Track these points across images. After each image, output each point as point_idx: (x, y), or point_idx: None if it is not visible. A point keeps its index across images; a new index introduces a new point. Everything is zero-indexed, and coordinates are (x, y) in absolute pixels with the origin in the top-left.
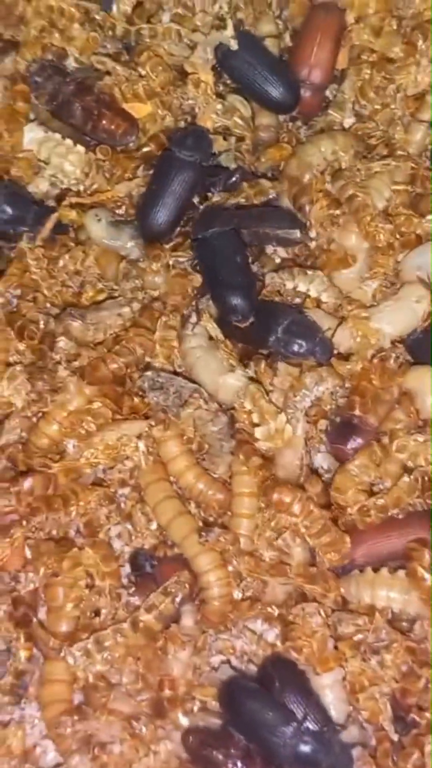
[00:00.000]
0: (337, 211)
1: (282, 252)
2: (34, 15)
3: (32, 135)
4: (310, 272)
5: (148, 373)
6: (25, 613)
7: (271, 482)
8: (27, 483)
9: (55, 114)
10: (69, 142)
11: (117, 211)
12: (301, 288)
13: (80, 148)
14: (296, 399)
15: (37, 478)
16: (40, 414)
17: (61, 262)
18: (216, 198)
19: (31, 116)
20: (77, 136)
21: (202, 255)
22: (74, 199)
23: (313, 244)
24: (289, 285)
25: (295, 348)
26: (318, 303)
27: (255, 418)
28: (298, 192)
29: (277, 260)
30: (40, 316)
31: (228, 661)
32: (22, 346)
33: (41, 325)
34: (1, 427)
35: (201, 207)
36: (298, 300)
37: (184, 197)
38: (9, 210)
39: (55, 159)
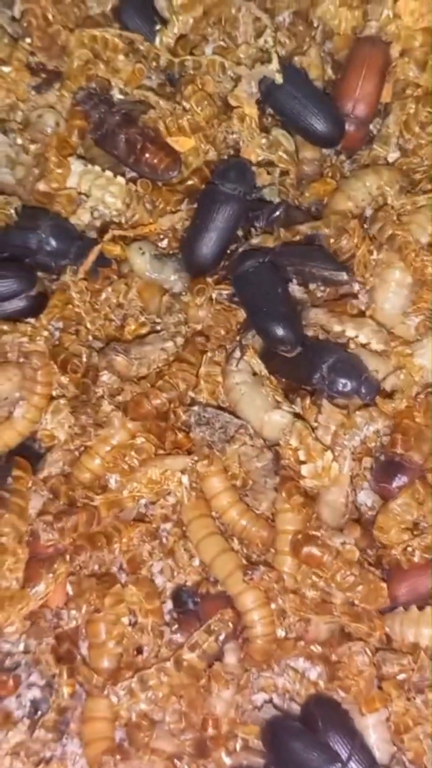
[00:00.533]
0: (380, 255)
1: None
2: (78, 45)
3: (72, 168)
4: (359, 319)
5: (195, 408)
6: (68, 649)
7: (302, 537)
8: (71, 520)
9: (99, 143)
10: (109, 173)
11: (160, 244)
12: (350, 334)
13: (120, 179)
14: (345, 437)
15: (82, 514)
16: (82, 448)
17: (103, 295)
18: (255, 240)
19: None
20: (118, 166)
21: (242, 289)
22: (117, 232)
23: (356, 287)
24: (337, 329)
25: (341, 387)
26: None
27: (301, 456)
28: (337, 235)
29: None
30: (82, 349)
31: (270, 700)
32: (65, 380)
33: (84, 359)
34: (43, 459)
35: (242, 246)
36: (342, 340)
37: (228, 231)
38: (54, 243)
39: (96, 191)
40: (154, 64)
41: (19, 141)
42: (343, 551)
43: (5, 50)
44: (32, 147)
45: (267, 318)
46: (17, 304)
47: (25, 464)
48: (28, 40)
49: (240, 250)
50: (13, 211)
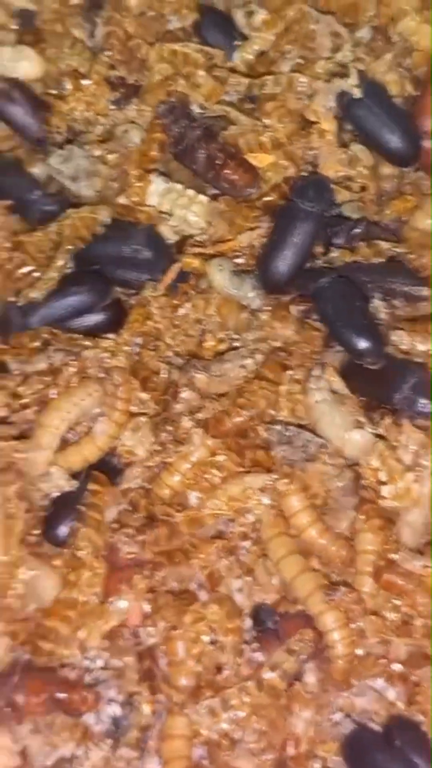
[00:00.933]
0: None
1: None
2: (158, 59)
3: (153, 186)
4: None
5: (277, 426)
6: (149, 667)
7: (384, 564)
8: (153, 534)
9: (178, 157)
10: (191, 192)
11: (237, 261)
12: None
13: (203, 198)
14: (426, 458)
15: (163, 529)
16: (162, 464)
17: (182, 311)
18: (334, 255)
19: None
20: (196, 181)
21: (322, 304)
22: (198, 250)
23: None
24: (421, 348)
25: (422, 407)
26: None
27: (382, 476)
28: (418, 252)
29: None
30: (162, 365)
31: (348, 715)
32: (145, 396)
33: (164, 375)
34: (122, 475)
35: (319, 262)
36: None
37: (305, 248)
38: (147, 253)
39: (179, 210)
40: (234, 80)
41: (97, 153)
42: (424, 575)
43: (85, 64)
44: (110, 157)
45: (349, 331)
46: (96, 318)
47: (103, 479)
48: (107, 53)
49: (317, 266)
50: (104, 220)
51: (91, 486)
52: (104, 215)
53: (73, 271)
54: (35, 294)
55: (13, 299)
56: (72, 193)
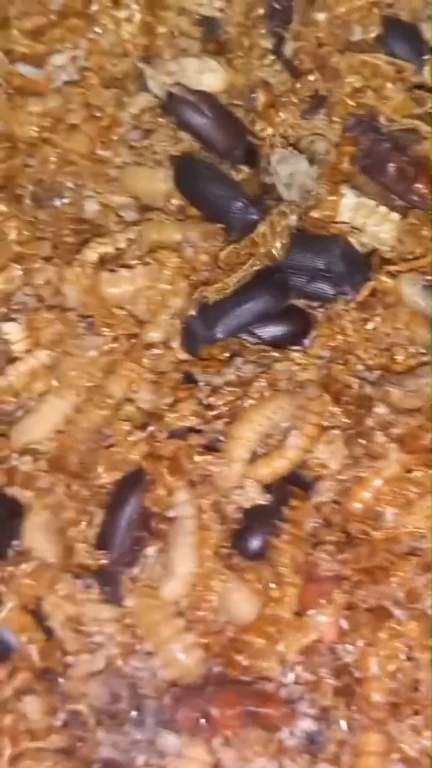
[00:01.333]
0: None
1: None
2: (349, 70)
3: (345, 201)
4: None
5: None
6: (347, 683)
7: None
8: (354, 552)
9: (366, 170)
10: (383, 209)
11: (426, 277)
12: None
13: (395, 215)
14: None
15: (363, 548)
16: (355, 479)
17: (371, 325)
18: None
19: None
20: (383, 194)
21: None
22: (392, 268)
23: None
24: None
25: None
26: None
27: None
28: None
29: None
30: (353, 380)
31: None
32: (336, 410)
33: (355, 389)
34: (313, 488)
35: None
36: None
37: None
38: (342, 266)
39: (371, 227)
40: (421, 93)
41: None
42: None
43: (276, 75)
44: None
45: None
46: (281, 328)
47: (301, 494)
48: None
49: None
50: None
51: (292, 502)
52: (293, 220)
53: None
54: (210, 295)
55: (192, 312)
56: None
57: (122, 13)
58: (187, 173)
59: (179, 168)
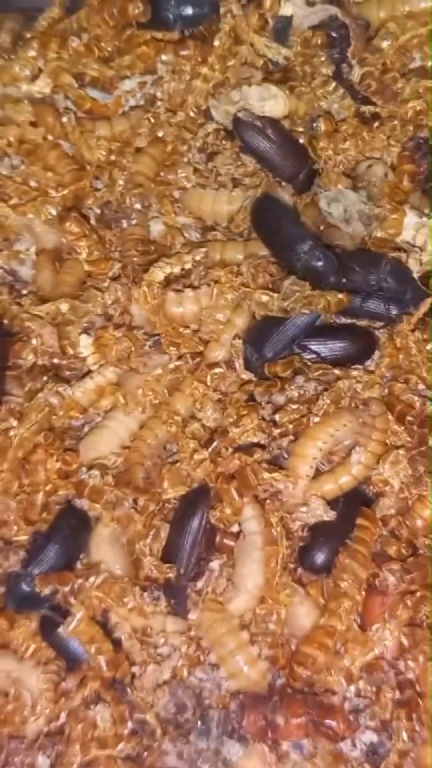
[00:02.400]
0: None
1: None
2: (413, 95)
3: (406, 220)
4: None
5: None
6: (411, 696)
7: None
8: (423, 570)
9: (426, 192)
10: None
11: None
12: None
13: None
14: None
15: (429, 565)
16: (417, 496)
17: (430, 345)
18: None
19: None
20: None
21: None
22: None
23: None
24: None
25: None
26: None
27: None
28: None
29: None
30: (415, 399)
31: None
32: (398, 428)
33: (417, 407)
34: (375, 505)
35: None
36: None
37: None
38: (392, 283)
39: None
40: None
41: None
42: None
43: (338, 102)
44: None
45: None
46: (346, 347)
47: (371, 515)
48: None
49: None
50: None
51: (360, 521)
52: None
53: None
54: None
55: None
56: (347, 234)
57: None
58: (263, 210)
59: (258, 205)
